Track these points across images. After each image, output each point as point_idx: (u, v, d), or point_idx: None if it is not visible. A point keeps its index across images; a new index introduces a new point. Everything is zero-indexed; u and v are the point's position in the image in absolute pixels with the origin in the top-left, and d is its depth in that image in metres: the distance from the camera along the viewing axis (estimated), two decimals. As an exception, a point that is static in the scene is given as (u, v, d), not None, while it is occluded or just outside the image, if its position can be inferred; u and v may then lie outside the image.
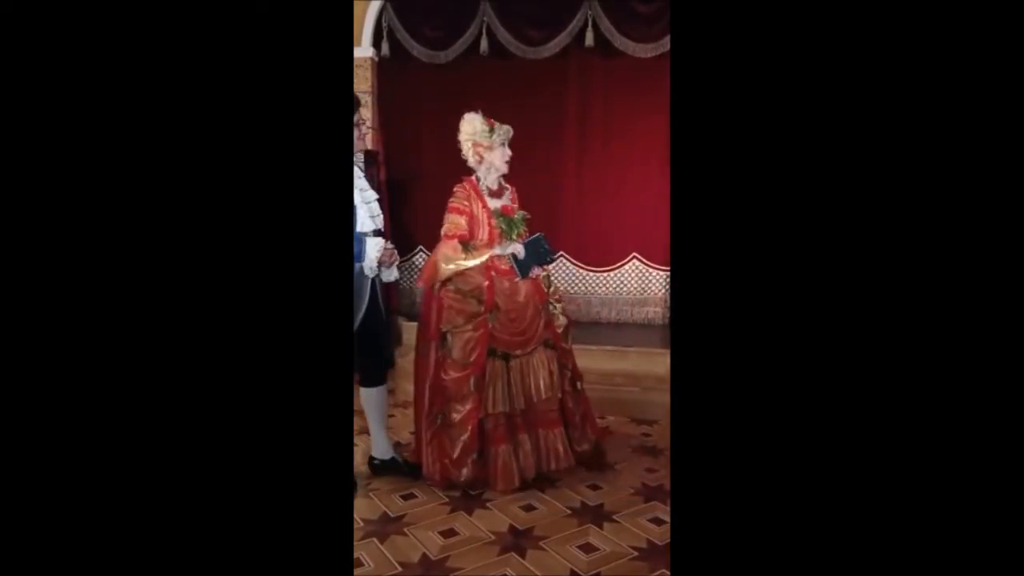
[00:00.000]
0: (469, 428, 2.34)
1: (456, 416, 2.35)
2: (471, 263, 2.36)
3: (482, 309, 2.36)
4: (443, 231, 2.42)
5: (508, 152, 2.44)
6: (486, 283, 2.38)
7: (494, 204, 2.46)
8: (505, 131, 2.43)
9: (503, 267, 2.45)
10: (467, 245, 2.38)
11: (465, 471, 2.35)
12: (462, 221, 2.39)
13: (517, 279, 2.44)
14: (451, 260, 2.36)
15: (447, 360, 2.35)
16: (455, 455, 2.35)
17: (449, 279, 2.36)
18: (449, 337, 2.35)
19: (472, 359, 2.33)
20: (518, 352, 2.42)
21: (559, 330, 2.53)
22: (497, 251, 2.40)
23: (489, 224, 2.42)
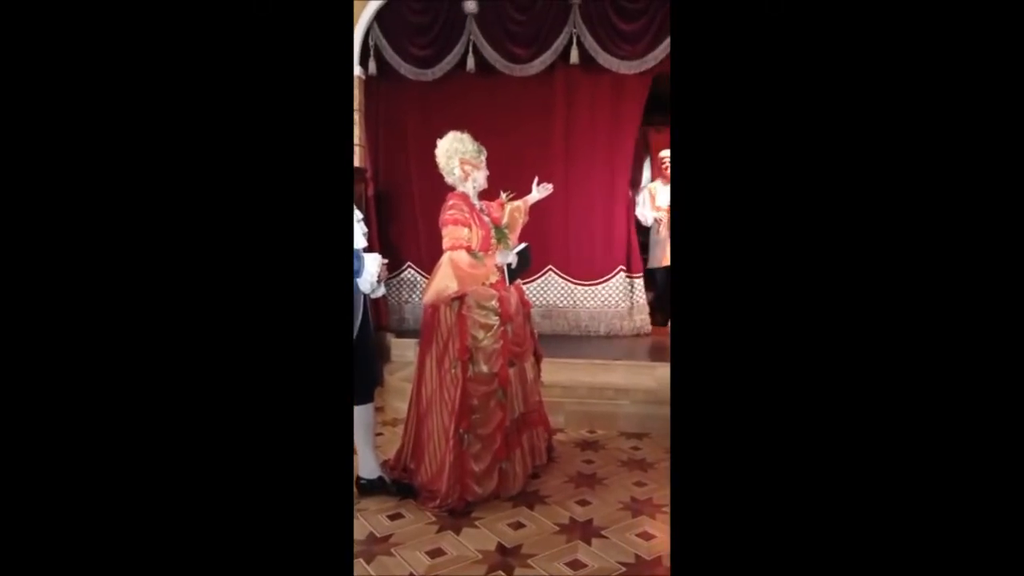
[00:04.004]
0: (499, 438, 2.39)
1: (484, 431, 2.38)
2: (486, 273, 2.41)
3: (499, 320, 2.42)
4: (447, 244, 2.39)
5: (480, 171, 2.53)
6: (499, 294, 2.44)
7: (486, 217, 2.54)
8: (481, 150, 2.54)
9: (493, 279, 2.52)
10: (475, 254, 2.40)
11: (491, 482, 2.38)
12: (465, 232, 2.38)
13: (508, 286, 2.52)
14: (464, 270, 2.34)
15: (475, 376, 2.36)
16: (483, 467, 2.37)
17: (465, 294, 2.36)
18: (473, 353, 2.37)
19: (496, 370, 2.39)
20: (520, 360, 2.55)
21: (535, 338, 2.73)
22: (499, 259, 2.47)
23: (486, 236, 2.46)
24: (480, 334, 2.38)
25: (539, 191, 2.76)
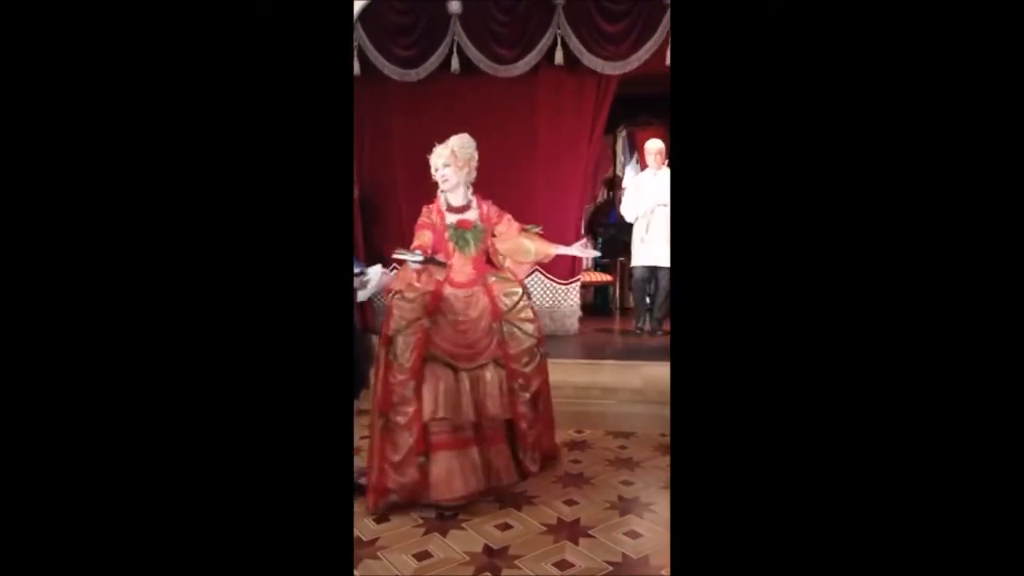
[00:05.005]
0: (415, 430, 2.37)
1: (401, 419, 2.38)
2: (406, 257, 2.46)
3: (421, 314, 2.44)
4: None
5: (437, 172, 2.57)
6: (431, 289, 2.46)
7: (451, 219, 2.60)
8: (437, 154, 2.57)
9: (459, 280, 2.56)
10: (412, 252, 2.50)
11: (410, 473, 2.36)
12: (425, 235, 2.57)
13: (474, 290, 2.54)
14: (405, 269, 2.52)
15: (394, 364, 2.42)
16: (399, 458, 2.36)
17: (400, 290, 2.48)
18: (399, 340, 2.43)
19: (409, 364, 2.41)
20: (467, 365, 2.48)
21: (513, 350, 2.54)
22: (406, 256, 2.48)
23: (438, 237, 2.59)
24: (402, 324, 2.43)
25: (579, 249, 2.79)
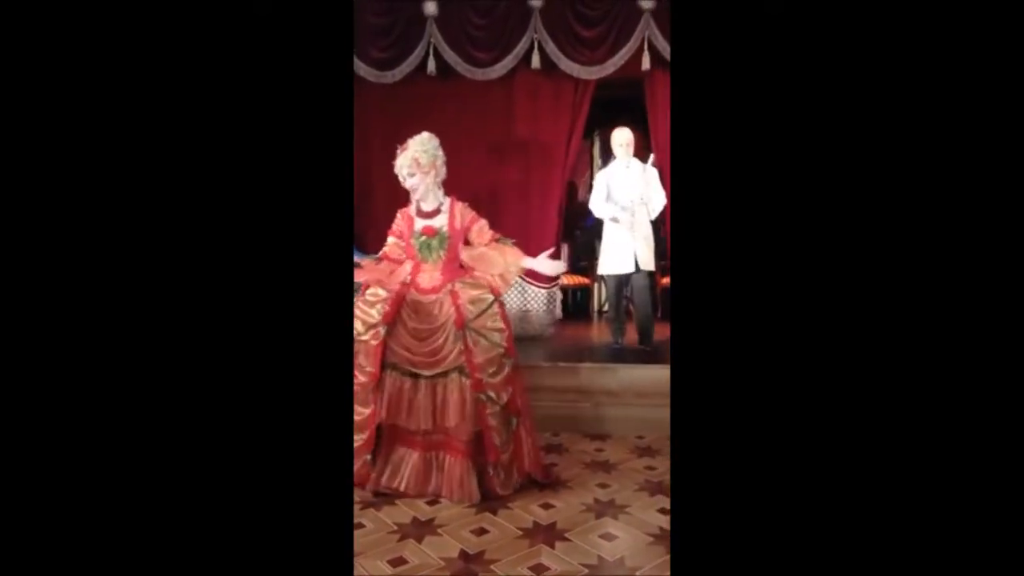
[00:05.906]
0: (367, 432, 2.46)
1: (356, 418, 2.45)
2: (384, 271, 2.57)
3: (378, 320, 2.49)
4: None
5: (406, 182, 2.60)
6: (390, 297, 2.52)
7: (419, 225, 2.63)
8: (400, 163, 2.59)
9: (424, 285, 2.57)
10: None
11: (357, 469, 2.45)
12: (389, 241, 2.69)
13: (439, 296, 2.54)
14: (372, 271, 2.63)
15: (356, 369, 2.50)
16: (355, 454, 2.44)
17: (363, 293, 2.57)
18: (360, 346, 2.50)
19: (370, 370, 2.47)
20: (428, 372, 2.49)
21: (478, 359, 2.44)
22: None
23: (407, 242, 2.65)
24: (361, 329, 2.50)
25: (546, 263, 2.59)
